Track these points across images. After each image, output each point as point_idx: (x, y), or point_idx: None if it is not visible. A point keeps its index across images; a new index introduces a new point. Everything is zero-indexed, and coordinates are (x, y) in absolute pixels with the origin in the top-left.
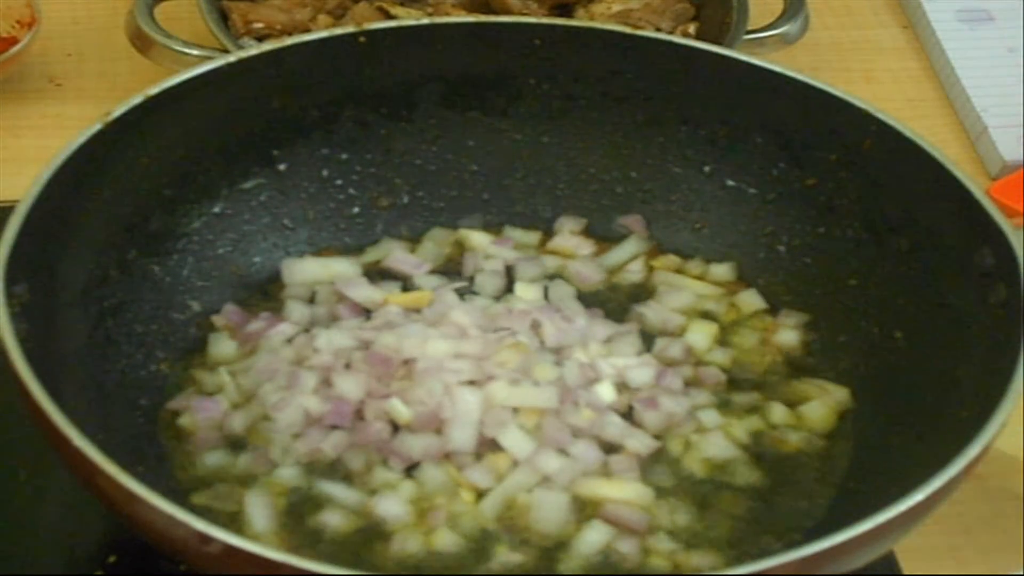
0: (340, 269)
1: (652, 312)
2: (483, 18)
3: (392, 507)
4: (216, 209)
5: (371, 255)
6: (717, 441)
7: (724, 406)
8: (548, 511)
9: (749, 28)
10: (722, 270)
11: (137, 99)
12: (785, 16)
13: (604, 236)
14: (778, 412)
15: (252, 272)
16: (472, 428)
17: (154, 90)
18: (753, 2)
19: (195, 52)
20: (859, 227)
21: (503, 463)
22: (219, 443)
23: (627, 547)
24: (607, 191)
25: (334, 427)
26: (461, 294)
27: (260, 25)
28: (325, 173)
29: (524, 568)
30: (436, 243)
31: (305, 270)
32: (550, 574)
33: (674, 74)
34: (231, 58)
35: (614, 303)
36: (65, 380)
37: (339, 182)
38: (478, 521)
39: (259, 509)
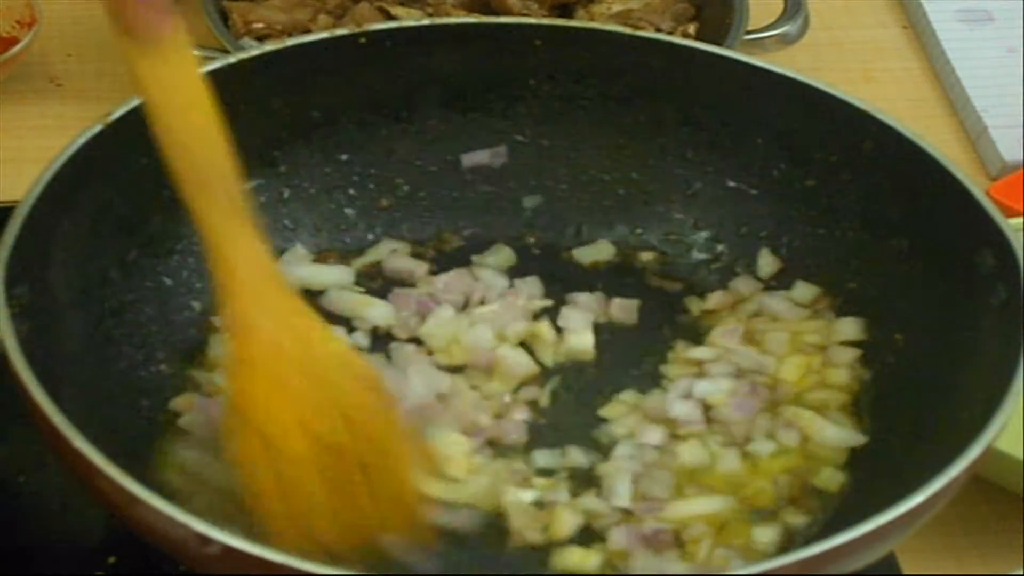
0: (333, 277)
1: None
2: (484, 19)
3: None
4: None
5: (371, 256)
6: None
7: None
8: None
9: (749, 28)
10: None
11: (137, 100)
12: (785, 16)
13: (604, 237)
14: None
15: None
16: None
17: None
18: (753, 2)
19: (194, 52)
20: (859, 228)
21: None
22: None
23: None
24: (608, 192)
25: None
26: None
27: (260, 25)
28: (325, 174)
29: None
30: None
31: (293, 278)
32: (551, 574)
33: (674, 75)
34: (231, 59)
35: None
36: (65, 381)
37: (340, 183)
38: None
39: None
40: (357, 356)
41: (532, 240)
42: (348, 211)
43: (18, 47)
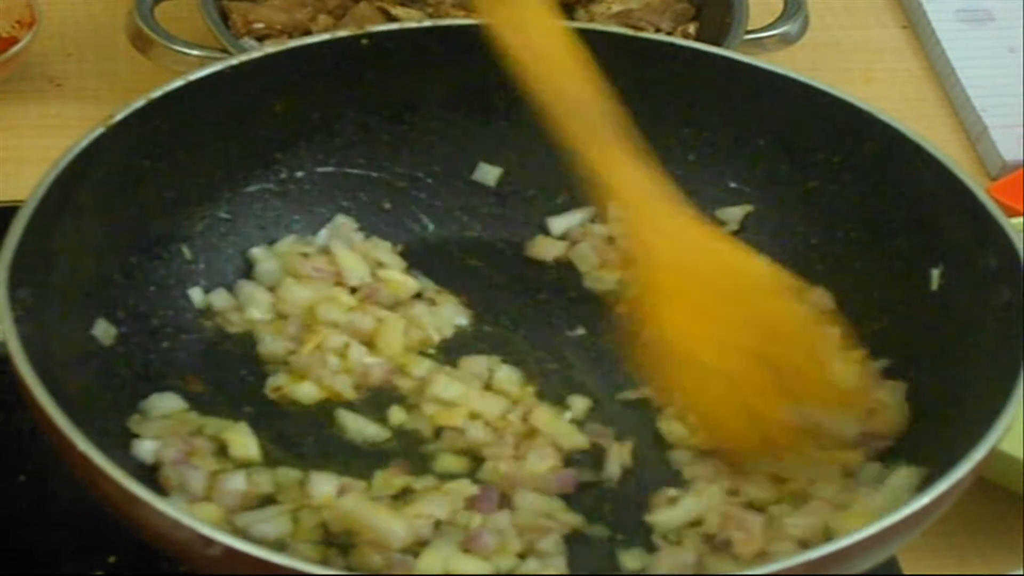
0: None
1: None
2: (484, 20)
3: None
4: (218, 212)
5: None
6: None
7: None
8: None
9: (749, 28)
10: None
11: (139, 102)
12: (785, 16)
13: None
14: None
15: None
16: None
17: (156, 93)
18: (753, 2)
19: (195, 52)
20: (861, 229)
21: None
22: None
23: None
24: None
25: None
26: None
27: (260, 25)
28: (328, 175)
29: None
30: None
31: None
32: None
33: (675, 75)
34: (233, 61)
35: None
36: (69, 383)
37: (341, 185)
38: None
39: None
40: (766, 266)
41: None
42: (350, 213)
43: (18, 47)
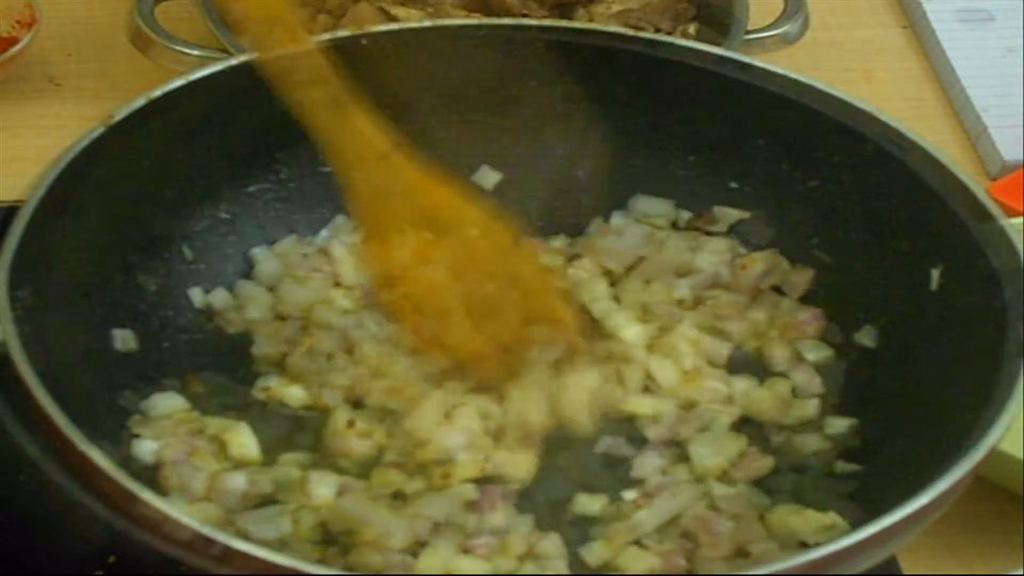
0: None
1: None
2: (484, 20)
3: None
4: (218, 212)
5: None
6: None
7: None
8: None
9: (749, 28)
10: None
11: (140, 101)
12: (785, 16)
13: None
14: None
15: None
16: None
17: (156, 92)
18: (753, 2)
19: (195, 52)
20: (861, 229)
21: None
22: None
23: None
24: (609, 194)
25: None
26: None
27: None
28: (328, 176)
29: None
30: None
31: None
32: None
33: (675, 75)
34: (233, 61)
35: None
36: (69, 383)
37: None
38: None
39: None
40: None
41: None
42: (349, 213)
43: (18, 47)
